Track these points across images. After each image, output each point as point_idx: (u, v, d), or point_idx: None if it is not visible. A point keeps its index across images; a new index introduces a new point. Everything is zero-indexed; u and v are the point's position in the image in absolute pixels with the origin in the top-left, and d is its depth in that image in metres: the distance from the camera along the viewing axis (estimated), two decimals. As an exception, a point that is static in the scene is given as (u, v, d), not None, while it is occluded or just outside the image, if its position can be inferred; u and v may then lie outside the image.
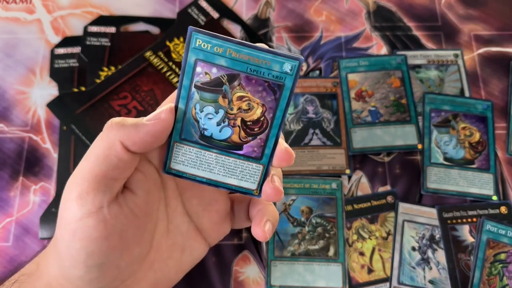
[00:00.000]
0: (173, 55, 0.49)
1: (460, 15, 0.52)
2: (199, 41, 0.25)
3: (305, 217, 0.42)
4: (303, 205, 0.42)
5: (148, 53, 0.48)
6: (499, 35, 0.51)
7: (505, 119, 0.47)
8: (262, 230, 0.29)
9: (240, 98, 0.26)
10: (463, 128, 0.45)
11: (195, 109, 0.26)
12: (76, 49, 0.49)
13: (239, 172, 0.28)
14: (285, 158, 0.27)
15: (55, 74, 0.48)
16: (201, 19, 0.51)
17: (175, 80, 0.48)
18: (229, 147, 0.27)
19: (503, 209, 0.43)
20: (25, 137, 0.46)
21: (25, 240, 0.42)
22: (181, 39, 0.49)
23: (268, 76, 0.25)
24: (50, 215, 0.42)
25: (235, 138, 0.27)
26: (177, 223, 0.30)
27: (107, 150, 0.25)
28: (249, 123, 0.26)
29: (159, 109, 0.26)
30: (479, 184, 0.44)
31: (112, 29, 0.50)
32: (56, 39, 0.50)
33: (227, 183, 0.28)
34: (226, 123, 0.26)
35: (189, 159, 0.27)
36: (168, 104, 0.26)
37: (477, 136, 0.45)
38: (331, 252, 0.41)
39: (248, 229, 0.42)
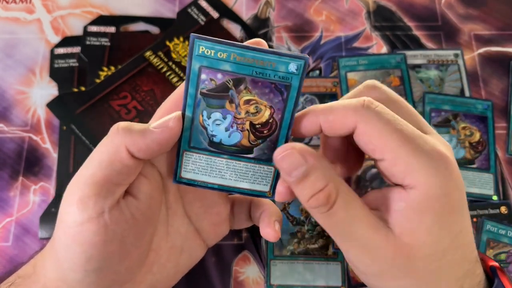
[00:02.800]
0: (173, 55, 0.49)
1: (460, 14, 0.52)
2: (202, 48, 0.24)
3: (304, 215, 0.42)
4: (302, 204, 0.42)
5: (148, 53, 0.48)
6: (499, 35, 0.51)
7: (505, 119, 0.47)
8: (274, 230, 0.29)
9: (248, 101, 0.25)
10: (463, 128, 0.45)
11: (203, 116, 0.26)
12: (76, 49, 0.49)
13: (251, 176, 0.27)
14: None
15: (55, 74, 0.49)
16: (201, 19, 0.51)
17: (175, 80, 0.48)
18: (239, 152, 0.27)
19: (503, 209, 0.43)
20: (25, 137, 0.46)
21: (25, 240, 0.42)
22: (181, 38, 0.50)
23: (274, 77, 0.25)
24: (50, 215, 0.42)
25: (245, 142, 0.26)
26: (177, 225, 0.30)
27: (112, 155, 0.25)
28: (258, 126, 0.26)
29: (166, 117, 0.26)
30: (479, 184, 0.44)
31: (112, 29, 0.50)
32: (56, 39, 0.50)
33: (239, 188, 0.28)
34: (235, 127, 0.26)
35: (199, 166, 0.27)
36: (175, 112, 0.26)
37: (477, 136, 0.45)
38: (331, 251, 0.41)
39: (248, 229, 0.42)
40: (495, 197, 0.43)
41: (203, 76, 0.25)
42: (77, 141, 0.45)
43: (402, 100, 0.27)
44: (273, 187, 0.28)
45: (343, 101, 0.25)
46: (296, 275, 0.40)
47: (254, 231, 0.42)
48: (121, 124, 0.25)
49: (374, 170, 0.44)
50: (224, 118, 0.26)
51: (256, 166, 0.27)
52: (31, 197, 0.44)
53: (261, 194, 0.28)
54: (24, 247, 0.42)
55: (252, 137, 0.26)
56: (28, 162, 0.45)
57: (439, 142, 0.26)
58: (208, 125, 0.26)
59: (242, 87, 0.25)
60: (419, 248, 0.25)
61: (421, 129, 0.26)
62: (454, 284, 0.26)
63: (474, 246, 0.27)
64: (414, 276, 0.25)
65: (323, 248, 0.41)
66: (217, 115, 0.26)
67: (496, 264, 0.28)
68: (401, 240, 0.25)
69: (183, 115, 0.26)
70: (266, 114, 0.26)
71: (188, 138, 0.27)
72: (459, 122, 0.45)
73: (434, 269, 0.25)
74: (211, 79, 0.25)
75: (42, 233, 0.42)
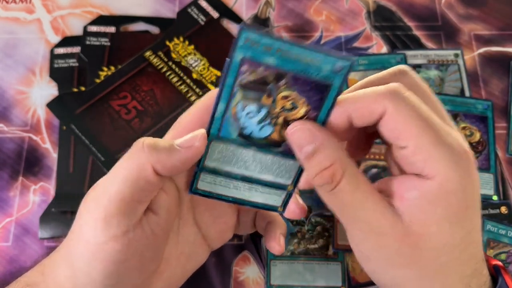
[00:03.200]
0: (173, 55, 0.49)
1: (460, 14, 0.52)
2: (247, 39, 0.23)
3: (304, 216, 0.42)
4: (302, 204, 0.42)
5: (148, 53, 0.48)
6: (499, 35, 0.51)
7: (505, 119, 0.47)
8: (278, 244, 0.30)
9: (285, 97, 0.25)
10: (463, 128, 0.45)
11: (236, 107, 0.25)
12: (76, 49, 0.49)
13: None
14: None
15: (55, 74, 0.48)
16: (201, 18, 0.51)
17: (175, 80, 0.48)
18: (268, 145, 0.26)
19: (503, 209, 0.43)
20: (24, 137, 0.46)
21: (25, 240, 0.42)
22: (181, 38, 0.49)
23: (317, 76, 0.24)
24: (50, 215, 0.42)
25: (275, 136, 0.26)
26: (187, 234, 0.31)
27: (136, 173, 0.24)
28: (291, 122, 0.25)
29: (192, 135, 0.25)
30: (480, 184, 0.44)
31: (112, 29, 0.50)
32: (56, 39, 0.50)
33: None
34: (268, 121, 0.26)
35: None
36: (200, 130, 0.26)
37: (477, 136, 0.45)
38: (331, 251, 0.41)
39: (248, 229, 0.42)
40: (495, 197, 0.43)
41: (243, 68, 0.24)
42: (77, 141, 0.45)
43: (429, 90, 0.27)
44: (285, 204, 0.29)
45: (370, 88, 0.25)
46: (296, 275, 0.40)
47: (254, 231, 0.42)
48: (146, 140, 0.25)
49: (374, 170, 0.44)
50: (259, 111, 0.25)
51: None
52: (31, 197, 0.44)
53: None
54: (24, 247, 0.42)
55: (283, 132, 0.26)
56: (28, 162, 0.45)
57: (459, 137, 0.25)
58: (240, 117, 0.25)
59: (282, 82, 0.24)
60: (428, 239, 0.24)
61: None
62: (460, 282, 0.25)
63: (482, 245, 0.27)
64: (420, 267, 0.25)
65: (323, 248, 0.41)
66: (251, 107, 0.25)
67: (500, 263, 0.28)
68: (410, 228, 0.24)
69: (208, 131, 0.26)
70: (301, 111, 0.25)
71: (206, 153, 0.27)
72: (459, 122, 0.45)
73: (442, 264, 0.25)
74: (252, 71, 0.24)
75: (42, 233, 0.42)
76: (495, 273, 0.27)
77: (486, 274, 0.27)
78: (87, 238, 0.25)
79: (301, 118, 0.25)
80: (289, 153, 0.26)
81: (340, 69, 0.24)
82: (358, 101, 0.25)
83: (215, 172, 0.27)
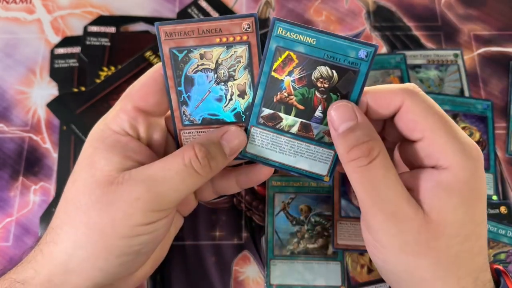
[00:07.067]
0: (173, 55, 0.49)
1: (460, 15, 0.52)
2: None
3: (304, 215, 0.42)
4: (302, 204, 0.42)
5: (148, 53, 0.49)
6: (499, 35, 0.51)
7: (505, 119, 0.47)
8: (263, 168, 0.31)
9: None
10: (463, 128, 0.45)
11: None
12: (76, 49, 0.49)
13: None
14: None
15: (55, 74, 0.49)
16: (201, 19, 0.51)
17: (175, 80, 0.48)
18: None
19: (503, 209, 0.43)
20: (25, 137, 0.46)
21: (25, 240, 0.42)
22: (181, 39, 0.50)
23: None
24: (50, 215, 0.42)
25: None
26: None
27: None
28: None
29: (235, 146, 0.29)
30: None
31: (112, 29, 0.50)
32: (56, 39, 0.50)
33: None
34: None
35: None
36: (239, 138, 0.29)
37: (477, 136, 0.45)
38: (330, 250, 0.41)
39: (248, 229, 0.42)
40: (495, 197, 0.43)
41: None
42: (77, 141, 0.45)
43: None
44: (331, 171, 0.30)
45: (388, 84, 0.28)
46: (296, 275, 0.40)
47: (254, 231, 0.42)
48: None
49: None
50: None
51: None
52: (31, 197, 0.44)
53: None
54: (24, 247, 0.42)
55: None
56: (28, 162, 0.45)
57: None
58: None
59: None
60: (444, 226, 0.26)
61: None
62: (470, 275, 0.26)
63: (487, 242, 0.28)
64: (435, 256, 0.26)
65: (323, 247, 0.41)
66: None
67: (501, 267, 0.29)
68: (429, 217, 0.26)
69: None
70: None
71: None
72: (459, 122, 0.45)
73: (456, 254, 0.26)
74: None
75: (42, 233, 0.42)
76: (497, 276, 0.28)
77: (490, 273, 0.28)
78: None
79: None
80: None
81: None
82: (377, 92, 0.27)
83: (264, 125, 0.29)
